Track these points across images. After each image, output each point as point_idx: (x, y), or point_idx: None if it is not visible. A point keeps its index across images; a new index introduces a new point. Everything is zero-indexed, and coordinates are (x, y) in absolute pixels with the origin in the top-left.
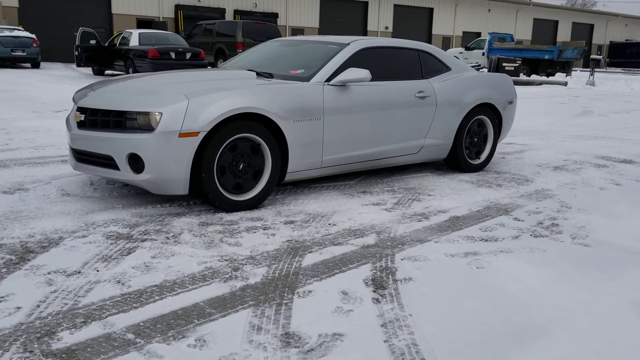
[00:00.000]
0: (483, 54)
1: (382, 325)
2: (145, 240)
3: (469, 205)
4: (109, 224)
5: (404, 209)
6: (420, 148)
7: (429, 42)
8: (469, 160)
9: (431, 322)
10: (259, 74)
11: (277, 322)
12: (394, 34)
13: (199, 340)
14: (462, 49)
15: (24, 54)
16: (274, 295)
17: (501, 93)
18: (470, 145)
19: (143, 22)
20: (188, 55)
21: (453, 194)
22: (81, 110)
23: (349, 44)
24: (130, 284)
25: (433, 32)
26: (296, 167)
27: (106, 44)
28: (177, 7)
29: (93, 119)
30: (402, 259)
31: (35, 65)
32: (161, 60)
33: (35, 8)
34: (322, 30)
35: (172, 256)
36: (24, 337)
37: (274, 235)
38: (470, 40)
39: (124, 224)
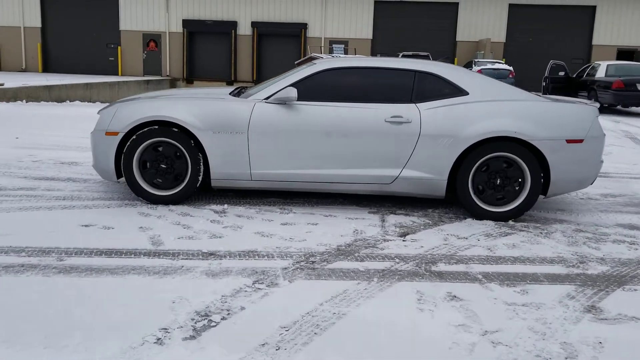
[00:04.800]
0: None
1: None
2: (522, 231)
3: None
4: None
5: None
6: (394, 179)
7: None
8: (481, 205)
9: None
10: (237, 90)
11: (589, 299)
12: None
13: (523, 290)
14: None
15: None
16: (601, 284)
17: (545, 127)
18: (488, 188)
19: (624, 53)
20: None
21: None
22: None
23: (315, 64)
24: (495, 251)
25: None
26: (220, 175)
27: (574, 75)
28: None
29: None
30: None
31: None
32: (625, 92)
33: (518, 44)
34: None
35: (536, 244)
36: (418, 259)
37: (636, 250)
38: None
39: (522, 220)
